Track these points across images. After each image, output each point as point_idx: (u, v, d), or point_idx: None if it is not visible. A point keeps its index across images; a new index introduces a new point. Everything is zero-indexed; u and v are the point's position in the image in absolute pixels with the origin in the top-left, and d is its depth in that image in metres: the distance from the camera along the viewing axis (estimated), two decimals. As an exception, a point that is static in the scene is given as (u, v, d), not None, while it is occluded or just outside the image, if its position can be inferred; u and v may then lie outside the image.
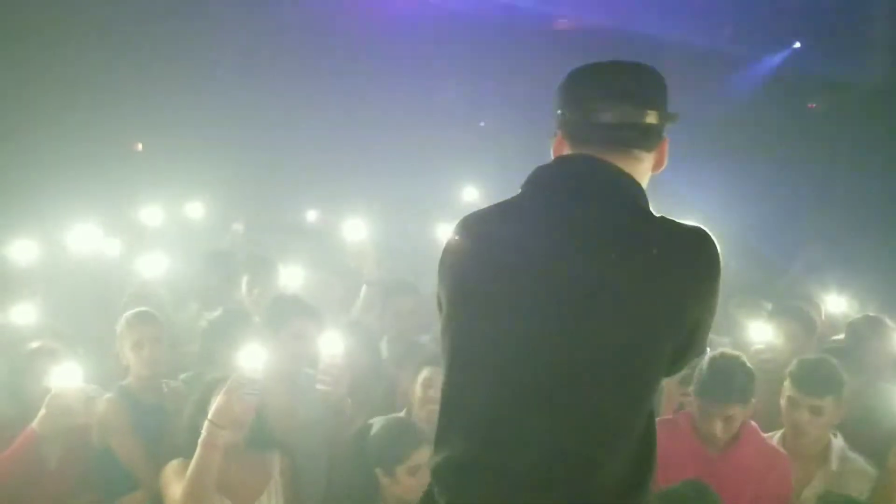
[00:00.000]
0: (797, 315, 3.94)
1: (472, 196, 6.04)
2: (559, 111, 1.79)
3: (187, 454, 2.83)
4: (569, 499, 1.59)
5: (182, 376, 3.60)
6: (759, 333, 3.63)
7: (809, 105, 9.67)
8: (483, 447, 1.65)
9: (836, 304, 4.56)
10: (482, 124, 10.23)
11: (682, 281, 1.62)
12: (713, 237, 1.67)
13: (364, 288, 4.39)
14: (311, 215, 7.15)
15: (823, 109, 9.52)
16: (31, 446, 3.02)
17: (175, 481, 2.80)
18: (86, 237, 4.76)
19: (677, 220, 1.67)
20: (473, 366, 1.70)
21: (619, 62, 1.77)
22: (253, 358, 2.80)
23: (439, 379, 3.04)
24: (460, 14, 9.00)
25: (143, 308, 3.62)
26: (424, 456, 2.80)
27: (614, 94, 1.71)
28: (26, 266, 4.07)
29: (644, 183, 1.75)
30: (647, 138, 1.73)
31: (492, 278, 1.70)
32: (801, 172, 8.21)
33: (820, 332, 4.09)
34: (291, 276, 4.51)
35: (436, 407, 2.74)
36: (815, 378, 3.12)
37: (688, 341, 1.67)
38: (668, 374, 1.71)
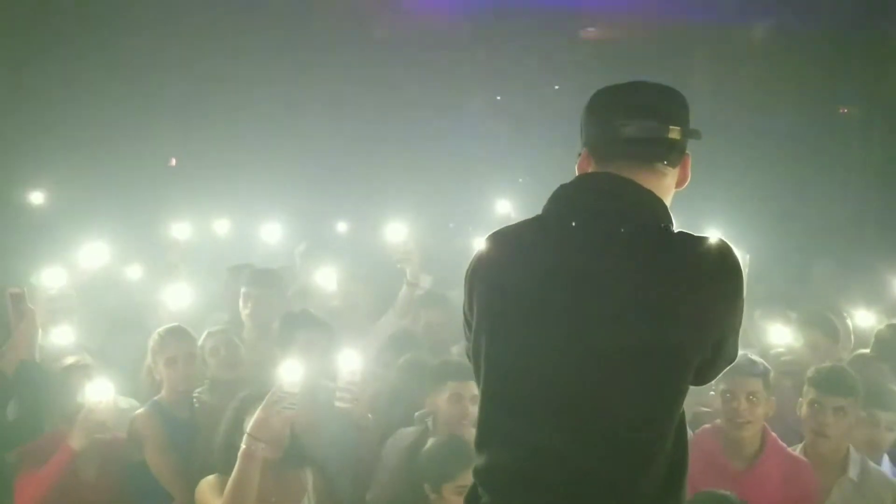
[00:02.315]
0: (820, 322, 3.92)
1: (505, 209, 6.07)
2: (583, 129, 1.83)
3: (223, 470, 2.90)
4: None
5: (197, 391, 3.65)
6: (779, 337, 3.61)
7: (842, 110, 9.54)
8: (519, 459, 1.69)
9: (864, 318, 4.48)
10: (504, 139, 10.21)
11: (707, 295, 1.64)
12: (734, 250, 1.70)
13: (404, 289, 4.45)
14: (342, 227, 7.24)
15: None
16: (68, 462, 3.11)
17: (212, 496, 2.87)
18: (112, 257, 4.87)
19: (699, 236, 1.70)
20: (504, 380, 1.74)
21: (641, 81, 1.81)
22: (291, 372, 2.85)
23: (467, 392, 3.10)
24: (488, 22, 9.08)
25: (176, 324, 3.70)
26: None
27: (638, 110, 1.75)
28: (57, 292, 4.19)
29: (668, 199, 1.77)
30: (670, 153, 1.76)
31: (519, 295, 1.73)
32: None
33: (845, 344, 4.05)
34: (326, 278, 4.55)
35: (467, 421, 2.79)
36: (837, 379, 3.16)
37: (715, 352, 1.70)
38: (700, 384, 1.75)
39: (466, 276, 1.85)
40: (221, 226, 6.51)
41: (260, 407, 2.82)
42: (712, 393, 3.21)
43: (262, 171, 8.50)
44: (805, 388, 3.20)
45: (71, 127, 8.05)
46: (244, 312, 4.26)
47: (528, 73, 9.07)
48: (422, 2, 9.35)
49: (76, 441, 3.11)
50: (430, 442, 3.02)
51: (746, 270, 3.40)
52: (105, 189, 7.67)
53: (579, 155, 1.85)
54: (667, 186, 1.78)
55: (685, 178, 1.82)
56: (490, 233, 1.86)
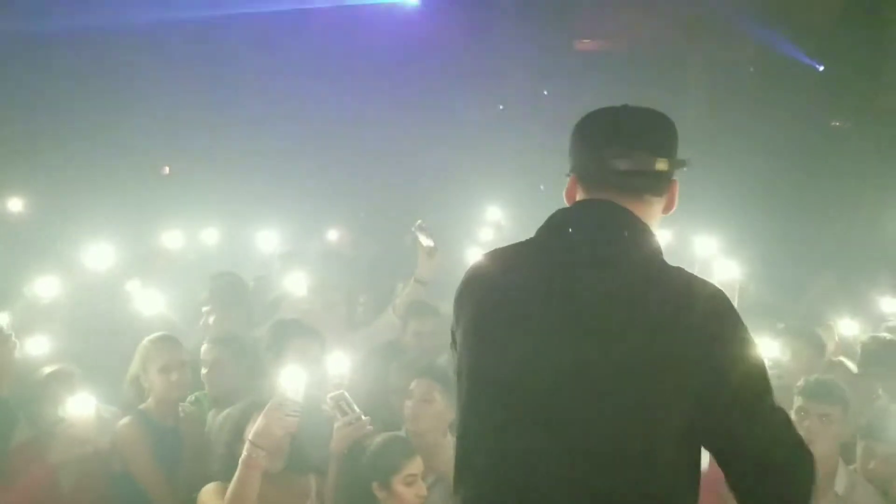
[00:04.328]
0: (805, 334, 3.95)
1: (496, 216, 6.05)
2: (572, 155, 1.85)
3: (224, 478, 2.88)
4: None
5: (190, 397, 3.64)
6: (766, 350, 3.62)
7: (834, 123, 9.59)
8: (503, 473, 1.70)
9: (848, 327, 4.53)
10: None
11: (694, 334, 1.64)
12: (726, 297, 1.72)
13: (412, 285, 4.43)
14: (332, 234, 7.23)
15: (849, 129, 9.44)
16: (46, 475, 3.09)
17: (214, 502, 2.84)
18: (100, 261, 4.85)
19: (692, 275, 1.74)
20: (488, 396, 1.75)
21: (631, 108, 1.83)
22: (292, 379, 2.84)
23: (431, 392, 3.08)
24: (481, 31, 9.11)
25: (165, 332, 3.68)
26: (419, 466, 2.88)
27: (626, 142, 1.77)
28: (49, 301, 4.17)
29: (655, 225, 1.81)
30: (658, 184, 1.80)
31: (507, 320, 1.75)
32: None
33: (832, 354, 4.07)
34: (295, 283, 4.55)
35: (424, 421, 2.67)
36: (823, 388, 3.21)
37: (719, 389, 1.64)
38: (711, 423, 1.66)
39: (456, 296, 1.86)
40: (210, 234, 6.49)
41: (262, 414, 2.80)
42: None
43: (256, 179, 8.50)
44: (794, 397, 3.22)
45: (62, 135, 8.05)
46: (206, 321, 4.30)
47: (534, 78, 9.08)
48: (427, 10, 9.39)
49: (55, 455, 3.08)
50: (373, 442, 3.03)
51: (737, 287, 3.43)
52: (96, 197, 7.65)
53: (567, 176, 1.86)
54: (654, 214, 1.82)
55: (672, 204, 1.86)
56: (483, 254, 1.90)
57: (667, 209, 1.85)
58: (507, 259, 1.83)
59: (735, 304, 3.36)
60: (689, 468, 1.69)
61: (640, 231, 1.75)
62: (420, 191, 8.57)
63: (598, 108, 1.85)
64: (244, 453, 2.77)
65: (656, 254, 1.76)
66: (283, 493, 2.93)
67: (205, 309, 4.48)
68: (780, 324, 4.24)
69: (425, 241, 4.39)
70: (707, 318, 1.66)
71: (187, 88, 8.63)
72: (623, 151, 1.76)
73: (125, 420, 3.41)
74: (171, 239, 5.83)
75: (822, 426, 3.13)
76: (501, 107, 9.99)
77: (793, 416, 3.15)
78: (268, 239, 6.32)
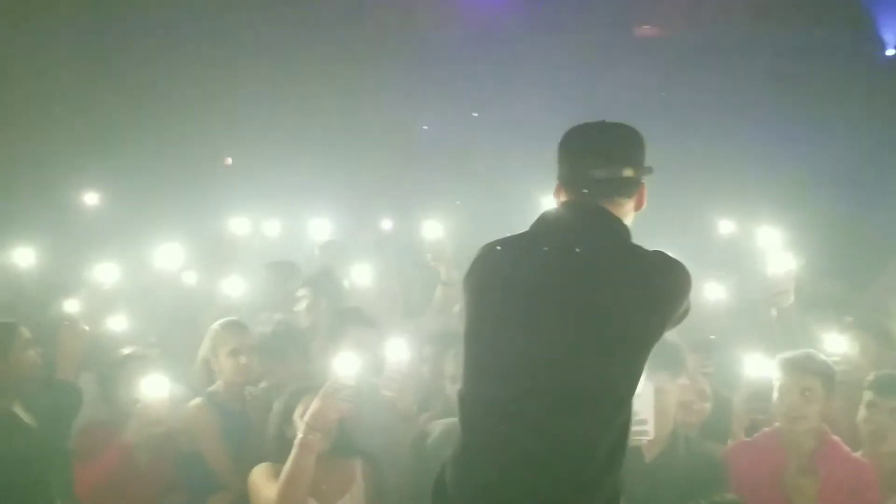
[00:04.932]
0: (873, 327, 3.84)
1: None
2: (558, 165, 2.26)
3: (275, 459, 2.99)
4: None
5: (262, 384, 3.73)
6: (834, 345, 3.55)
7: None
8: (495, 435, 2.06)
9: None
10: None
11: (659, 290, 2.08)
12: (680, 262, 2.13)
13: (439, 289, 4.47)
14: (386, 224, 7.29)
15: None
16: (123, 452, 3.23)
17: (266, 483, 2.94)
18: (170, 253, 4.99)
19: (653, 250, 2.14)
20: (477, 383, 2.14)
21: (604, 125, 2.25)
22: (346, 365, 2.92)
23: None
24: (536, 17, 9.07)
25: (235, 318, 3.79)
26: None
27: (599, 155, 2.20)
28: (111, 287, 4.32)
29: (627, 220, 2.22)
30: (626, 188, 2.20)
31: (503, 301, 2.14)
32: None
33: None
34: (360, 274, 4.60)
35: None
36: (894, 382, 3.14)
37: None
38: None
39: (465, 273, 2.25)
40: (272, 226, 6.60)
41: (317, 398, 2.88)
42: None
43: (313, 170, 8.61)
44: (865, 393, 3.16)
45: (129, 130, 8.28)
46: (309, 311, 4.35)
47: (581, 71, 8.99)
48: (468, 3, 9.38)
49: (132, 434, 3.21)
50: (435, 430, 3.08)
51: (793, 279, 3.37)
52: (160, 189, 7.87)
53: (557, 181, 2.27)
54: (626, 212, 2.22)
55: (641, 203, 2.26)
56: (484, 244, 2.26)
57: (637, 208, 2.25)
58: (506, 245, 2.22)
59: (791, 296, 3.33)
60: (629, 410, 2.10)
61: (612, 221, 2.17)
62: (475, 179, 8.58)
63: (579, 124, 2.26)
64: (300, 435, 2.85)
65: (625, 238, 2.18)
66: (331, 475, 3.01)
67: (300, 294, 4.53)
68: (848, 317, 4.14)
69: (444, 274, 4.40)
70: (665, 280, 2.09)
71: (248, 83, 8.79)
72: (596, 162, 2.18)
73: (195, 402, 3.53)
74: (238, 226, 5.96)
75: (892, 421, 3.07)
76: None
77: (863, 410, 3.14)
78: (321, 227, 6.40)
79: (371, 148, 9.19)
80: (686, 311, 2.17)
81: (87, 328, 3.73)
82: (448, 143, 9.10)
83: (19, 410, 3.51)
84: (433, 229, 4.39)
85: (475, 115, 9.81)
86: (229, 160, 10.06)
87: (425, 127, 9.86)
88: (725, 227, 5.38)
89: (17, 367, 3.55)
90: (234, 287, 4.54)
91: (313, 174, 8.47)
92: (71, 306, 3.78)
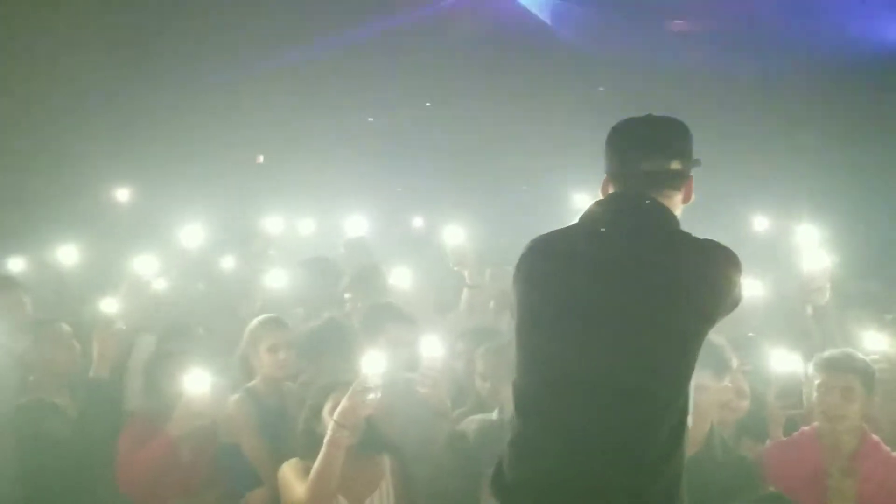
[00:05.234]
0: None
1: (583, 203, 5.99)
2: (606, 159, 2.28)
3: (303, 455, 3.03)
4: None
5: (302, 378, 3.77)
6: (873, 344, 3.51)
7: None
8: (549, 430, 2.10)
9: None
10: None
11: (713, 279, 2.09)
12: (730, 249, 2.14)
13: (465, 292, 4.48)
14: (417, 222, 7.31)
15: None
16: (167, 444, 3.29)
17: (296, 479, 2.98)
18: (192, 234, 5.08)
19: (704, 238, 2.15)
20: (538, 363, 2.17)
21: (652, 118, 2.26)
22: (374, 363, 2.94)
23: None
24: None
25: (274, 314, 3.83)
26: None
27: (648, 149, 2.22)
28: (150, 278, 4.41)
29: (677, 212, 2.23)
30: (674, 180, 2.22)
31: (555, 293, 2.17)
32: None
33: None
34: (400, 277, 4.63)
35: None
36: None
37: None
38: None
39: (516, 263, 2.27)
40: (306, 225, 6.66)
41: (346, 396, 2.91)
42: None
43: (345, 168, 8.66)
44: None
45: (163, 128, 8.39)
46: (351, 307, 4.40)
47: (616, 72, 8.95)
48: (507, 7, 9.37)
49: (175, 428, 3.27)
50: (472, 429, 3.09)
51: (828, 273, 3.34)
52: (195, 185, 7.96)
53: (604, 176, 2.28)
54: (674, 204, 2.23)
55: (689, 196, 2.27)
56: (532, 239, 2.28)
57: (685, 200, 2.26)
58: (555, 238, 2.26)
59: (827, 293, 3.31)
60: (686, 403, 2.12)
61: (662, 211, 2.18)
62: (509, 176, 8.58)
63: (627, 118, 2.28)
64: (329, 432, 2.88)
65: (675, 227, 2.19)
66: (359, 471, 3.04)
67: (347, 296, 4.58)
68: (889, 315, 4.10)
69: (469, 277, 4.42)
70: (719, 267, 2.10)
71: (280, 82, 8.86)
72: (645, 155, 2.20)
73: (234, 397, 3.58)
74: (272, 224, 6.02)
75: None
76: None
77: None
78: (357, 224, 6.43)
79: (403, 146, 9.23)
80: (738, 300, 2.19)
81: (123, 327, 3.79)
82: (481, 141, 9.11)
83: (60, 403, 3.59)
84: (454, 235, 4.39)
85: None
86: (261, 158, 10.16)
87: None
88: (760, 223, 5.35)
89: (57, 362, 3.64)
90: (276, 280, 4.59)
91: (345, 172, 8.52)
92: (108, 306, 3.84)
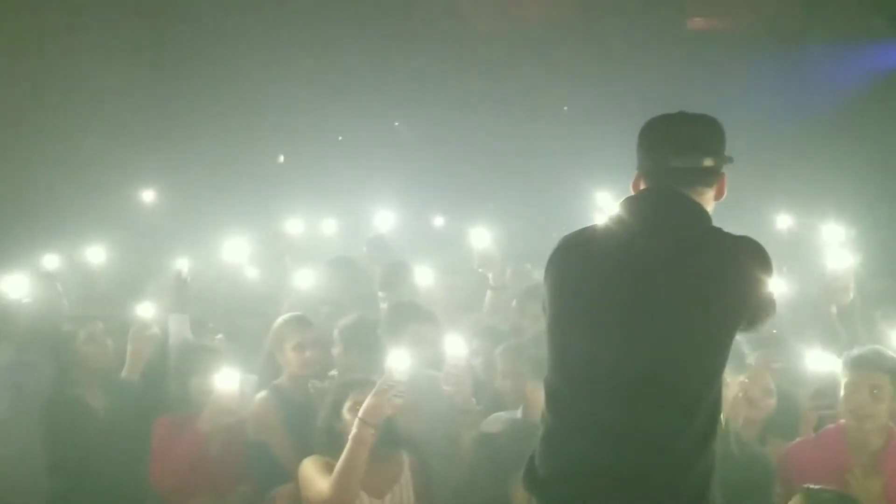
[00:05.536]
0: None
1: (605, 201, 6.01)
2: (637, 155, 2.28)
3: (323, 451, 3.06)
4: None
5: (332, 373, 3.81)
6: None
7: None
8: (580, 427, 2.12)
9: None
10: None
11: (744, 273, 2.09)
12: (761, 245, 2.15)
13: (489, 294, 4.50)
14: (439, 220, 7.33)
15: None
16: (197, 440, 3.34)
17: (318, 475, 3.00)
18: (236, 247, 5.12)
19: (736, 235, 2.16)
20: (570, 358, 2.18)
21: (684, 115, 2.27)
22: (399, 361, 2.97)
23: None
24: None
25: (300, 313, 3.87)
26: None
27: (680, 145, 2.22)
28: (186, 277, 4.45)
29: (709, 209, 2.23)
30: (706, 177, 2.22)
31: (587, 290, 2.17)
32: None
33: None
34: (422, 276, 4.65)
35: None
36: None
37: (756, 312, 2.15)
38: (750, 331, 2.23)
39: (546, 264, 2.28)
40: (329, 224, 6.70)
41: (371, 393, 2.94)
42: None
43: (367, 168, 8.70)
44: None
45: (189, 131, 8.48)
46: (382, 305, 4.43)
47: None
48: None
49: (205, 424, 3.32)
50: (501, 430, 3.11)
51: (851, 272, 3.32)
52: (217, 186, 8.03)
53: (635, 172, 2.29)
54: (706, 201, 2.23)
55: (721, 193, 2.27)
56: (563, 236, 2.30)
57: (717, 197, 2.26)
58: (586, 235, 2.27)
59: (850, 292, 3.29)
60: (719, 400, 2.14)
61: (694, 207, 2.18)
62: (534, 175, 8.58)
63: (659, 115, 2.28)
64: (354, 430, 2.90)
65: (707, 223, 2.19)
66: (380, 468, 3.06)
67: (381, 294, 4.60)
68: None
69: (493, 279, 4.42)
70: (750, 262, 2.10)
71: (301, 85, 8.92)
72: (677, 152, 2.20)
73: (261, 394, 3.62)
74: (292, 226, 6.07)
75: None
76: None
77: None
78: (385, 219, 6.43)
79: (428, 145, 9.25)
80: (771, 297, 2.17)
81: (157, 331, 3.82)
82: (503, 141, 9.11)
83: (91, 400, 3.65)
84: (480, 238, 4.39)
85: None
86: (281, 158, 10.23)
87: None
88: (783, 221, 5.33)
89: (90, 358, 3.69)
90: (304, 280, 4.62)
91: (370, 171, 8.56)
92: (144, 310, 3.87)
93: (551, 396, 2.22)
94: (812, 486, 2.68)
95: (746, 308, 2.12)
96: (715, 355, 2.09)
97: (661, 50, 8.86)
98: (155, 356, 3.88)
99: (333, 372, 3.82)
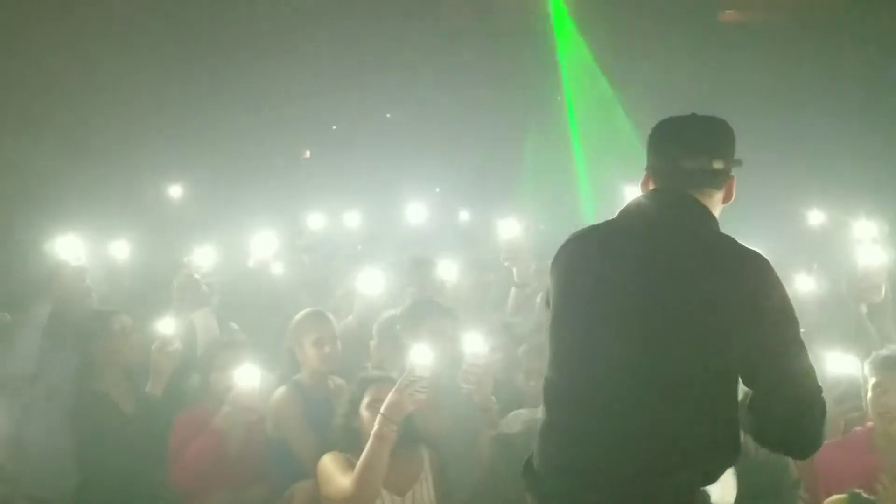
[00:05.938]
0: None
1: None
2: (647, 155, 2.30)
3: (342, 447, 3.06)
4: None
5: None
6: None
7: None
8: (578, 422, 2.12)
9: None
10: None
11: (745, 284, 2.05)
12: (764, 258, 2.11)
13: (513, 290, 4.45)
14: (464, 215, 7.30)
15: None
16: (216, 439, 3.35)
17: (338, 472, 2.99)
18: (265, 241, 5.12)
19: (742, 245, 2.13)
20: (568, 354, 2.18)
21: (696, 117, 2.27)
22: (422, 357, 2.95)
23: None
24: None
25: (319, 308, 3.86)
26: None
27: (690, 146, 2.23)
28: (206, 271, 4.45)
29: (715, 211, 2.24)
30: (715, 179, 2.23)
31: (590, 289, 2.18)
32: None
33: None
34: (446, 271, 4.60)
35: None
36: None
37: (758, 331, 2.05)
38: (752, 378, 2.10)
39: (552, 260, 2.29)
40: (353, 218, 6.69)
41: (393, 389, 2.92)
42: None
43: (392, 164, 8.70)
44: None
45: (215, 126, 8.54)
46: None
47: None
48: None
49: (224, 421, 3.33)
50: (519, 428, 3.09)
51: (885, 270, 3.21)
52: (240, 181, 8.08)
53: (644, 172, 2.31)
54: (714, 203, 2.24)
55: (730, 196, 2.29)
56: (571, 234, 2.30)
57: (726, 199, 2.28)
58: (593, 233, 2.28)
59: (882, 291, 3.19)
60: (729, 402, 2.09)
61: (700, 210, 2.19)
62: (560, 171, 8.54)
63: (670, 116, 2.28)
64: (376, 426, 2.89)
65: (712, 227, 2.20)
66: (400, 465, 3.05)
67: (409, 290, 4.56)
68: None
69: (517, 276, 4.34)
70: (750, 273, 2.07)
71: (324, 81, 8.95)
72: (687, 153, 2.21)
73: (281, 390, 3.61)
74: (314, 221, 6.06)
75: None
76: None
77: None
78: (417, 212, 6.38)
79: (455, 139, 9.24)
80: (781, 300, 2.10)
81: (178, 347, 3.77)
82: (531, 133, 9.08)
83: (116, 396, 3.67)
84: (510, 228, 4.27)
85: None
86: (307, 153, 10.27)
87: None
88: (815, 217, 5.22)
89: (116, 353, 3.70)
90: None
91: (397, 166, 8.57)
92: (165, 326, 3.76)
93: (551, 391, 2.22)
94: (859, 492, 2.62)
95: (751, 311, 2.06)
96: (716, 357, 2.06)
97: (693, 43, 8.75)
98: (178, 371, 3.83)
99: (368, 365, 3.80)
